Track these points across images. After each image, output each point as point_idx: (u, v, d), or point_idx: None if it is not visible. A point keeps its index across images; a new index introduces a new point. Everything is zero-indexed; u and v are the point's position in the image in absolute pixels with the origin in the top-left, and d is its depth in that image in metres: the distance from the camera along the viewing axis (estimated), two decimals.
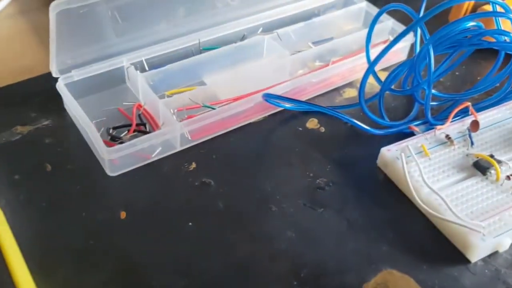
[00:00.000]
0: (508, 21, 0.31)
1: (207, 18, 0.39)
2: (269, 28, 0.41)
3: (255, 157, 0.33)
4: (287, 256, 0.27)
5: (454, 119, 0.33)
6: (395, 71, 0.33)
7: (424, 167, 0.30)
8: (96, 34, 0.35)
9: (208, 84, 0.37)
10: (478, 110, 0.34)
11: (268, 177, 0.31)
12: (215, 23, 0.40)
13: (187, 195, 0.30)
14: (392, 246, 0.28)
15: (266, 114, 0.35)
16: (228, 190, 0.30)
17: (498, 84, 0.35)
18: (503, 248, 0.27)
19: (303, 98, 0.37)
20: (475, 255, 0.27)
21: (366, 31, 0.35)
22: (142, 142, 0.30)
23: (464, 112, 0.34)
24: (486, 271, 0.27)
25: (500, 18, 0.32)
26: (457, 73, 0.39)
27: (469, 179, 0.30)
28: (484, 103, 0.35)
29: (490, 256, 0.28)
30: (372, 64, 0.33)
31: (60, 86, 0.34)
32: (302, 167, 0.32)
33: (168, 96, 0.35)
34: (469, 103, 0.34)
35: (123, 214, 0.28)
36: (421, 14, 0.33)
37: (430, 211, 0.28)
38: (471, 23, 0.30)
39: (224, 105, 0.34)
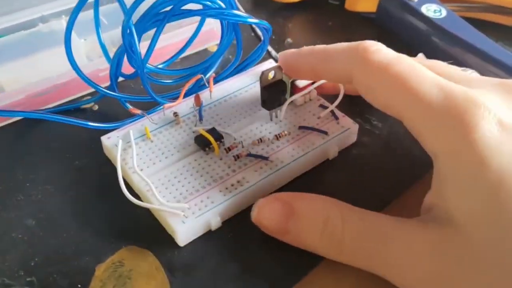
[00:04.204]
0: None
1: None
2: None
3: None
4: None
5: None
6: (115, 56, 0.31)
7: (143, 151, 0.29)
8: None
9: None
10: (218, 81, 0.33)
11: None
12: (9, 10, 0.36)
13: None
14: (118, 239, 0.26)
15: None
16: None
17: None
18: (214, 226, 0.26)
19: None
20: (181, 238, 0.26)
21: None
22: None
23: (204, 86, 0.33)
24: (193, 254, 0.26)
25: None
26: None
27: (189, 157, 0.29)
28: (224, 73, 0.34)
29: (203, 236, 0.26)
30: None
31: None
32: None
33: None
34: (201, 75, 0.32)
35: None
36: None
37: (133, 198, 0.26)
38: None
39: None
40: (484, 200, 0.21)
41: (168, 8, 0.28)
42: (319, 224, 0.24)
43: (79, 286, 0.24)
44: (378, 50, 0.25)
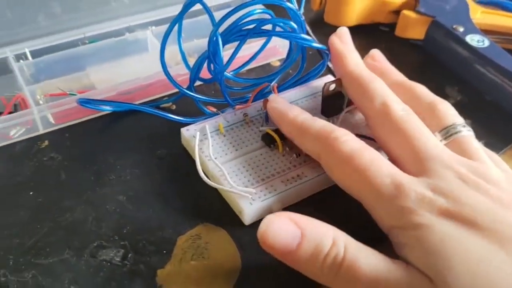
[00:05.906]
0: None
1: (92, 15, 0.43)
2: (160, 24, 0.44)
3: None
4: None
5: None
6: (196, 62, 0.36)
7: (217, 143, 0.33)
8: None
9: (90, 75, 0.40)
10: (281, 90, 0.38)
11: None
12: (101, 19, 0.43)
13: (34, 169, 0.33)
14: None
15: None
16: (72, 163, 0.34)
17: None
18: (275, 210, 0.31)
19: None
20: (247, 217, 0.30)
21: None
22: None
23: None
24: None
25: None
26: None
27: (256, 151, 0.33)
28: (285, 84, 0.38)
29: None
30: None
31: None
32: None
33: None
34: (268, 83, 0.37)
35: None
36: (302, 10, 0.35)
37: (208, 181, 0.31)
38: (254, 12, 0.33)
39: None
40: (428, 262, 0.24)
41: (251, 26, 0.33)
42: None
43: (164, 252, 0.29)
44: (346, 141, 0.28)
